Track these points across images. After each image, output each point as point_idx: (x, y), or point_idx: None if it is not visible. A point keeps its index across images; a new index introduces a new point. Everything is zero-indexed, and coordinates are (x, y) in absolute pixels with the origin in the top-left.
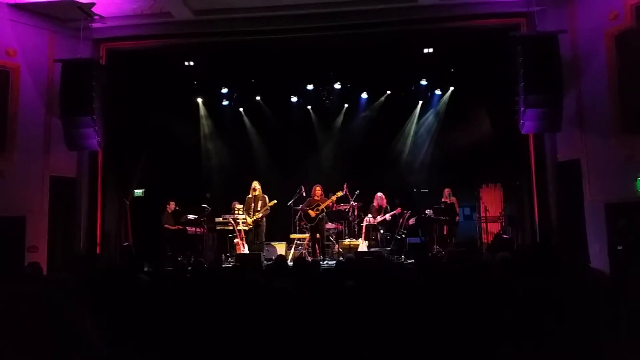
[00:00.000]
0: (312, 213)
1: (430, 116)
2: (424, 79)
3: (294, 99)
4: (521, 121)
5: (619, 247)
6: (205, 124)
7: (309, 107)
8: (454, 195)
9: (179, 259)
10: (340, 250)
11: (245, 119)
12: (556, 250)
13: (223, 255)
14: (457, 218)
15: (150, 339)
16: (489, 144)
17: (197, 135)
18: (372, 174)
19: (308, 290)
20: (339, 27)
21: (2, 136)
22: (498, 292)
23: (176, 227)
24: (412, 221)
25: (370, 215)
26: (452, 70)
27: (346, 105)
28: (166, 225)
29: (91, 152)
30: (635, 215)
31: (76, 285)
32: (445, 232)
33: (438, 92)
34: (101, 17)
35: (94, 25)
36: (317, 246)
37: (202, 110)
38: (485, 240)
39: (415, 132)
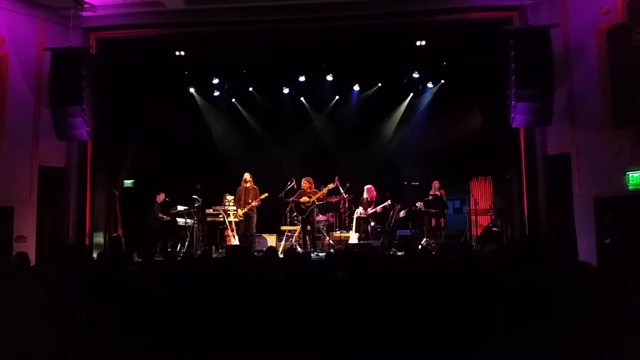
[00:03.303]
0: (303, 206)
1: (420, 108)
2: (416, 72)
3: (286, 90)
4: (512, 115)
5: (607, 241)
6: (197, 115)
7: (302, 98)
8: (442, 188)
9: (169, 250)
10: (331, 242)
11: (238, 109)
12: (545, 243)
13: (213, 247)
14: (446, 210)
15: (139, 330)
16: (479, 137)
17: (188, 125)
18: (363, 166)
19: (298, 280)
20: (331, 18)
21: None
22: (487, 284)
23: (166, 218)
24: (402, 214)
25: (360, 208)
26: (445, 63)
27: (337, 97)
28: (159, 215)
29: (80, 142)
30: (624, 209)
31: (64, 275)
32: (433, 225)
33: (430, 84)
34: (92, 5)
35: (85, 13)
36: (307, 238)
37: (194, 100)
38: (475, 233)
39: (405, 124)
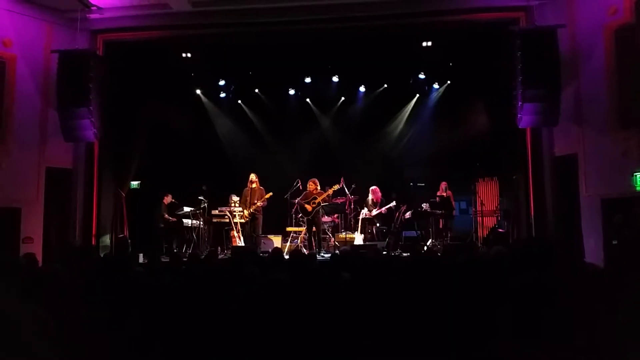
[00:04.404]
0: (308, 207)
1: (426, 109)
2: (422, 73)
3: (291, 91)
4: (519, 115)
5: (614, 242)
6: (203, 116)
7: (308, 99)
8: (450, 189)
9: (174, 251)
10: (336, 243)
11: (244, 111)
12: (551, 245)
13: (219, 248)
14: (454, 212)
15: (145, 331)
16: (486, 137)
17: (194, 127)
18: (368, 167)
19: (304, 282)
20: (337, 19)
21: None
22: (492, 286)
23: (172, 219)
24: (408, 215)
25: (366, 209)
26: (451, 64)
27: (343, 98)
28: (166, 216)
29: (87, 143)
30: (631, 210)
31: (71, 276)
32: (441, 226)
33: (436, 85)
34: (99, 8)
35: (92, 16)
36: (313, 239)
37: (200, 101)
38: (481, 234)
39: (411, 125)
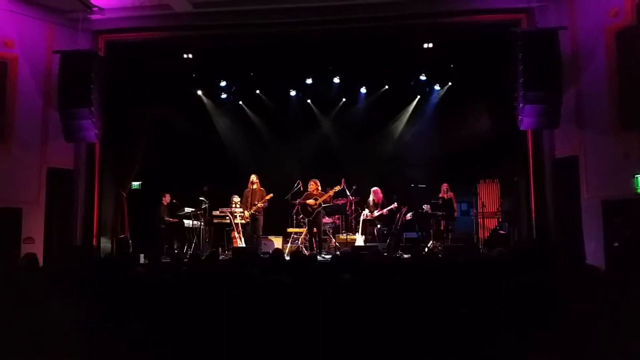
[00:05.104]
0: (311, 202)
1: (427, 110)
2: (424, 74)
3: (292, 92)
4: (520, 117)
5: (615, 244)
6: (204, 117)
7: (309, 100)
8: (451, 191)
9: (175, 251)
10: (337, 244)
11: (245, 112)
12: (552, 247)
13: (220, 249)
14: (455, 213)
15: (147, 332)
16: (487, 139)
17: (195, 128)
18: (369, 168)
19: (304, 283)
20: (338, 20)
21: None
22: (493, 287)
23: (173, 220)
24: (409, 216)
25: (367, 210)
26: (452, 65)
27: (344, 99)
28: (165, 218)
29: (89, 144)
30: (632, 212)
31: (72, 277)
32: (442, 227)
33: (437, 87)
34: (100, 8)
35: (93, 17)
36: (314, 240)
37: (201, 102)
38: (482, 236)
39: (412, 127)
